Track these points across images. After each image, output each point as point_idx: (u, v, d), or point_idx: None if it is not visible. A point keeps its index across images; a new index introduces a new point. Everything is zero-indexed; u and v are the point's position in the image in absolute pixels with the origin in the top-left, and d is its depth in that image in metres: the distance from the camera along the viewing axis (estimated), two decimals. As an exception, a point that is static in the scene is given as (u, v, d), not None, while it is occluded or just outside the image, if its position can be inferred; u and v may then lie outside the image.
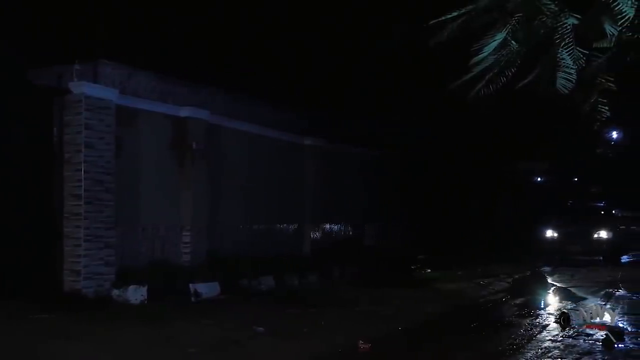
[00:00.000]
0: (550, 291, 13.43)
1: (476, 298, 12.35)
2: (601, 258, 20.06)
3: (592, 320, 8.18)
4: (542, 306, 11.54)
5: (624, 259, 21.15)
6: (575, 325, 8.73)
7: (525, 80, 5.85)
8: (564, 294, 12.97)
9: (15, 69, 10.79)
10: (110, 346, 7.32)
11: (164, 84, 12.01)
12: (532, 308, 11.09)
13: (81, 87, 9.93)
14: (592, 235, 19.94)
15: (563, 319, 9.11)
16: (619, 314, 8.27)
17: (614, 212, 23.51)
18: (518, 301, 11.87)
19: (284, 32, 17.09)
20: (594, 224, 20.33)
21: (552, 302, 12.08)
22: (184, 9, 15.51)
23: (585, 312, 8.28)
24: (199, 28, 15.84)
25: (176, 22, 15.51)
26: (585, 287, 13.67)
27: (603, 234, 20.03)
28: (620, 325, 8.22)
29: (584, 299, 12.37)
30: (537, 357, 7.40)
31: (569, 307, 10.91)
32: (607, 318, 8.14)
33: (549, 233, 20.61)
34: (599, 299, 12.34)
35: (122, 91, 10.75)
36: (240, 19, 16.45)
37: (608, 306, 8.39)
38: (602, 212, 22.50)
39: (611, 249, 20.01)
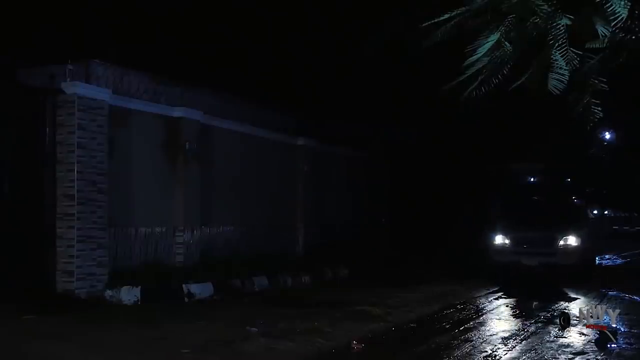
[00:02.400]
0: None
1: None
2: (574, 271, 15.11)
3: (592, 320, 8.21)
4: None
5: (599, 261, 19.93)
6: (576, 324, 8.78)
7: (519, 82, 5.86)
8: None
9: (6, 68, 10.76)
10: (102, 347, 7.29)
11: (157, 84, 12.00)
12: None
13: (74, 88, 9.89)
14: (557, 240, 15.31)
15: (563, 319, 9.14)
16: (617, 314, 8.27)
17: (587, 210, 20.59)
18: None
19: (277, 33, 17.10)
20: (559, 225, 15.58)
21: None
22: (176, 10, 15.49)
23: (585, 312, 8.30)
24: (192, 29, 15.83)
25: (169, 23, 15.49)
26: None
27: (572, 240, 15.32)
28: (614, 325, 8.24)
29: (577, 299, 12.41)
30: (530, 357, 7.41)
31: (567, 307, 10.95)
32: (607, 318, 8.17)
33: (499, 239, 15.90)
34: (591, 299, 12.40)
35: (115, 91, 10.73)
36: (233, 20, 16.43)
37: (606, 306, 8.39)
38: (573, 210, 17.26)
39: (583, 261, 15.32)
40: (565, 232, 15.44)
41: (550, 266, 15.06)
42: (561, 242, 15.37)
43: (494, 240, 16.05)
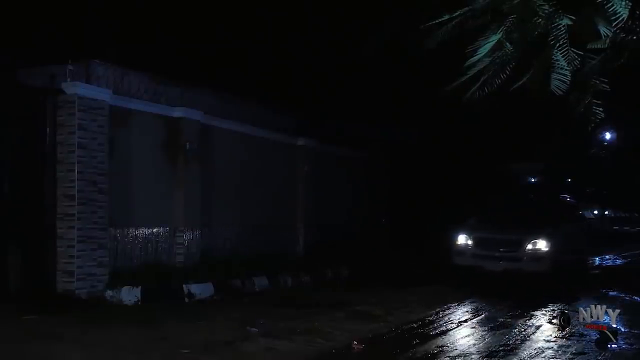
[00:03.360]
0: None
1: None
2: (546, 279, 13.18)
3: (592, 321, 8.20)
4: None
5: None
6: (576, 325, 8.77)
7: (520, 82, 5.86)
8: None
9: (7, 69, 10.76)
10: (102, 347, 7.29)
11: (157, 85, 12.00)
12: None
13: (74, 88, 9.89)
14: (524, 244, 13.31)
15: (563, 319, 9.13)
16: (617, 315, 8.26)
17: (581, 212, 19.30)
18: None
19: (277, 33, 17.11)
20: (530, 227, 13.71)
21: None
22: (177, 10, 15.50)
23: (585, 312, 8.29)
24: (192, 29, 15.84)
25: (169, 23, 15.50)
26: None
27: (541, 244, 13.27)
28: (614, 325, 8.23)
29: (577, 299, 12.40)
30: (531, 358, 7.40)
31: (566, 307, 10.94)
32: (607, 318, 8.16)
33: (461, 239, 14.19)
34: (592, 299, 12.38)
35: (115, 91, 10.72)
36: (233, 20, 16.44)
37: (606, 306, 8.38)
38: (558, 210, 15.83)
39: (553, 269, 13.16)
40: (534, 235, 13.43)
41: (515, 273, 13.18)
42: (529, 246, 13.34)
43: (456, 240, 14.36)
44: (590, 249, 17.25)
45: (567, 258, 13.99)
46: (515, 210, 15.16)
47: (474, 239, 14.00)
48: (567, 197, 17.80)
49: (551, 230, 13.71)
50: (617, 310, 8.34)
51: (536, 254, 13.24)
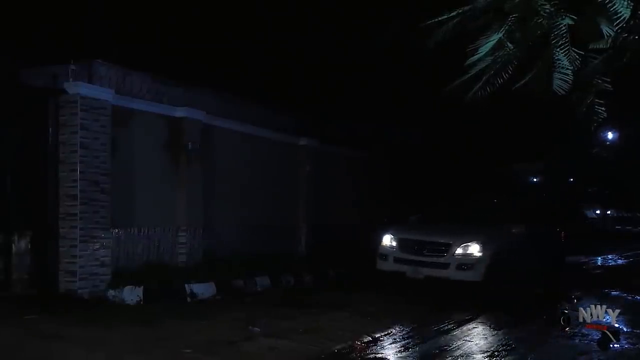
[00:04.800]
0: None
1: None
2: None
3: (592, 320, 8.18)
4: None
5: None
6: (576, 325, 8.74)
7: (522, 82, 5.86)
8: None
9: (9, 69, 10.77)
10: (104, 347, 7.30)
11: (160, 85, 12.00)
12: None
13: (76, 88, 9.89)
14: (452, 248, 11.41)
15: (564, 319, 9.10)
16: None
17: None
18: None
19: (279, 33, 17.12)
20: (466, 228, 12.08)
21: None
22: (179, 10, 15.52)
23: (586, 312, 8.28)
24: (195, 29, 15.86)
25: (171, 23, 15.52)
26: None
27: (474, 248, 11.36)
28: (616, 325, 8.22)
29: (579, 299, 12.39)
30: (533, 357, 7.41)
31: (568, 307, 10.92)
32: (608, 318, 8.14)
33: (386, 240, 12.43)
34: (593, 299, 12.37)
35: (117, 91, 10.72)
36: (235, 20, 16.46)
37: (606, 306, 8.36)
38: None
39: (488, 278, 11.17)
40: (466, 238, 11.53)
41: (440, 282, 11.37)
42: (458, 251, 11.39)
43: (380, 240, 12.60)
44: (562, 259, 14.78)
45: (516, 267, 11.82)
46: (468, 209, 13.55)
47: (398, 241, 12.23)
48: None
49: (491, 233, 11.85)
50: (618, 310, 8.33)
51: (467, 261, 11.29)
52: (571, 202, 33.78)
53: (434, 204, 14.93)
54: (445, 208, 14.25)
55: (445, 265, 11.37)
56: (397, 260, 12.00)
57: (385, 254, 12.33)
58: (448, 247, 11.48)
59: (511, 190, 15.69)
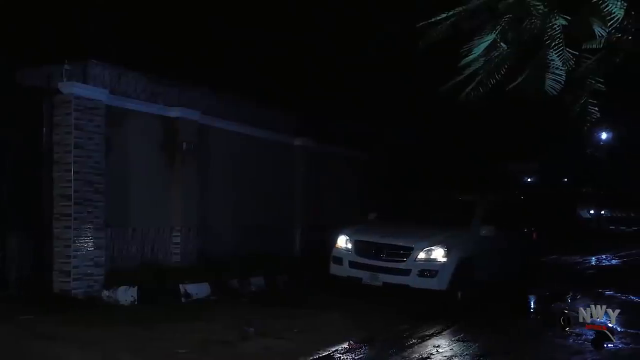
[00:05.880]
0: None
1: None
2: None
3: (592, 320, 8.19)
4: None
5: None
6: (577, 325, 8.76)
7: (515, 82, 5.88)
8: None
9: (4, 69, 10.74)
10: (98, 347, 7.28)
11: (154, 85, 11.97)
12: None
13: (71, 88, 9.87)
14: (414, 252, 10.49)
15: (564, 319, 9.12)
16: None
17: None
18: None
19: (274, 32, 17.11)
20: (430, 229, 11.16)
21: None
22: (174, 9, 15.51)
23: (585, 312, 8.29)
24: (190, 29, 15.84)
25: (166, 23, 15.50)
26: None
27: (438, 253, 10.45)
28: (610, 325, 8.25)
29: (574, 298, 12.42)
30: (528, 356, 7.43)
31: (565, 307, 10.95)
32: (607, 318, 8.16)
33: (341, 242, 11.56)
34: (588, 299, 12.41)
35: (112, 91, 10.70)
36: (229, 20, 16.45)
37: (606, 306, 8.39)
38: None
39: (453, 286, 10.36)
40: (430, 240, 10.63)
41: (400, 290, 10.50)
42: (420, 255, 10.46)
43: (335, 242, 11.68)
44: (536, 260, 14.37)
45: (484, 272, 11.22)
46: (433, 208, 12.55)
47: (354, 243, 11.25)
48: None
49: (458, 235, 11.05)
50: (617, 310, 8.34)
51: (430, 267, 10.37)
52: (565, 202, 33.91)
53: (396, 200, 14.12)
54: (408, 205, 13.17)
55: (405, 272, 10.43)
56: (352, 264, 11.05)
57: (339, 257, 11.34)
58: (409, 252, 10.53)
59: (484, 188, 14.68)
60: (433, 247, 10.48)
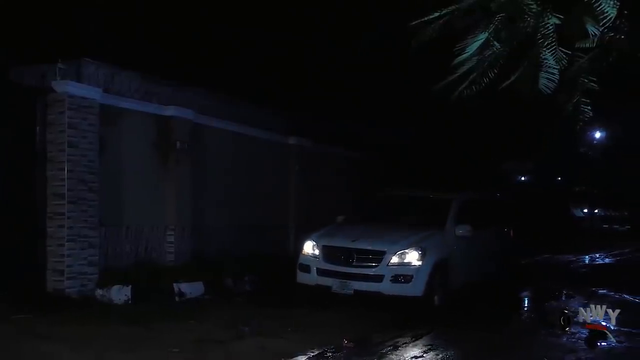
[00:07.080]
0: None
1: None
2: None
3: (592, 320, 8.21)
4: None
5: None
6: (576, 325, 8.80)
7: (508, 81, 5.89)
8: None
9: (-2, 67, 10.73)
10: (91, 346, 7.27)
11: (148, 84, 11.96)
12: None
13: (64, 86, 9.85)
14: (387, 257, 9.87)
15: (563, 319, 9.13)
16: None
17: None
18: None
19: (269, 32, 17.11)
20: (402, 232, 10.55)
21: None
22: (168, 9, 15.49)
23: (585, 311, 8.31)
24: (184, 28, 15.82)
25: (161, 22, 15.48)
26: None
27: (412, 256, 9.88)
28: (603, 323, 8.27)
29: (570, 297, 12.45)
30: (521, 356, 7.45)
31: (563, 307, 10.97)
32: (607, 318, 8.17)
33: (307, 248, 10.83)
34: (582, 297, 12.44)
35: (106, 90, 10.68)
36: (223, 19, 16.44)
37: (605, 306, 8.40)
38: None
39: (429, 292, 9.81)
40: (403, 244, 10.03)
41: (372, 298, 9.89)
42: (393, 260, 9.85)
43: (302, 249, 11.03)
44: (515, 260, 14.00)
45: (465, 274, 10.98)
46: (406, 208, 12.01)
47: (321, 248, 10.54)
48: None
49: (433, 237, 10.47)
50: (618, 310, 8.34)
51: (404, 272, 9.75)
52: (559, 201, 34.00)
53: (366, 200, 13.38)
54: (378, 206, 12.57)
55: (377, 278, 9.80)
56: (320, 272, 10.34)
57: (306, 264, 10.62)
58: (381, 256, 9.89)
59: (470, 186, 14.26)
60: (407, 250, 9.89)
